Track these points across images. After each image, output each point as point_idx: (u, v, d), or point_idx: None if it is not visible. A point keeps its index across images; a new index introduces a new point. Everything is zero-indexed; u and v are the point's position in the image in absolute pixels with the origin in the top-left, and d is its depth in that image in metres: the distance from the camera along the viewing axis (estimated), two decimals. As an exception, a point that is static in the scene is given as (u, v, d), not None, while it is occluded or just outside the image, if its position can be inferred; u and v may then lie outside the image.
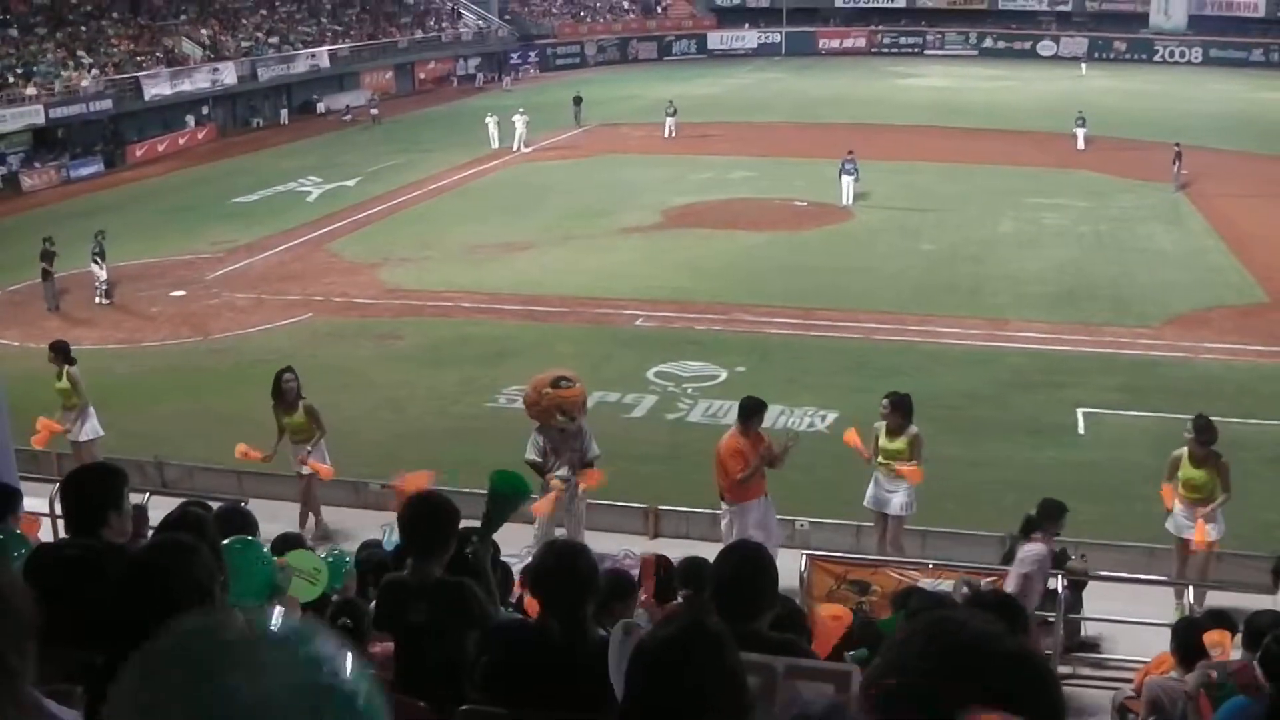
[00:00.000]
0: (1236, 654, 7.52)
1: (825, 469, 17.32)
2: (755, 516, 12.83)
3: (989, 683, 2.03)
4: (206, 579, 3.58)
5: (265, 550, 6.57)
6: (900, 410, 13.58)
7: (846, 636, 7.21)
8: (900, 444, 13.51)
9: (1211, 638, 7.72)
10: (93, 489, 5.18)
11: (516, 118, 50.19)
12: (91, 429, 16.75)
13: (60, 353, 16.88)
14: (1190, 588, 12.26)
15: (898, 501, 13.71)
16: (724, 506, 13.07)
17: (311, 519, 15.36)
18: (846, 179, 37.14)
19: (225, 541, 6.03)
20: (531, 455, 13.29)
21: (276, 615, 1.76)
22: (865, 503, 13.95)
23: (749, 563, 5.01)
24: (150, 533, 6.48)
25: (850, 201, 37.05)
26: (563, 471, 13.29)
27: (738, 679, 3.06)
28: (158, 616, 3.28)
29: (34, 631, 2.18)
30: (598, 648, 4.63)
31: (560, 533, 13.33)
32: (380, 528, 9.41)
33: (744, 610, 4.74)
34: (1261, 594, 10.30)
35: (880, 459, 13.66)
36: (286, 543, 8.13)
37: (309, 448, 15.19)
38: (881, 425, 13.70)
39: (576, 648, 4.67)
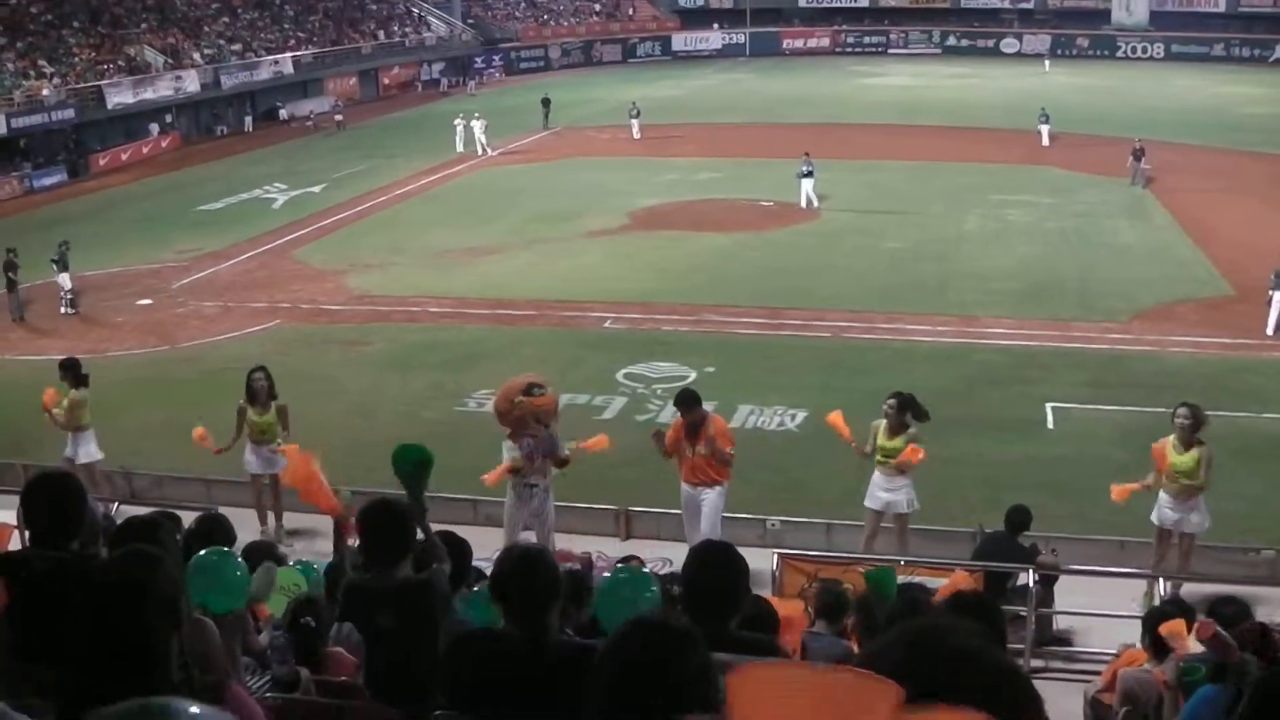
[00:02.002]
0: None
1: (796, 468, 17.38)
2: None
3: (967, 697, 2.02)
4: (173, 590, 3.55)
5: (239, 560, 6.55)
6: (904, 410, 13.66)
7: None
8: (899, 442, 13.56)
9: (1168, 627, 7.73)
10: (62, 499, 5.02)
11: (475, 122, 50.11)
12: (88, 452, 16.50)
13: (69, 371, 16.62)
14: (1160, 580, 12.32)
15: (900, 500, 13.77)
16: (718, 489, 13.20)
17: (272, 519, 15.36)
18: (805, 181, 37.10)
19: (201, 553, 6.02)
20: (514, 456, 13.25)
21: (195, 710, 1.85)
22: (868, 504, 13.95)
23: (718, 563, 4.99)
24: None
25: (812, 204, 37.00)
26: (533, 477, 13.24)
27: (710, 678, 3.04)
28: (127, 629, 3.27)
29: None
30: (562, 654, 4.60)
31: (529, 536, 13.32)
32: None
33: (713, 610, 4.72)
34: (1229, 585, 10.36)
35: (880, 457, 13.70)
36: (260, 551, 8.10)
37: (276, 444, 15.17)
38: (881, 424, 13.72)
39: (540, 655, 4.63)
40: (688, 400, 13.28)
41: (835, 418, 14.06)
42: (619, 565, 7.62)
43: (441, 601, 5.80)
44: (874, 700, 2.14)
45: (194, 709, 1.93)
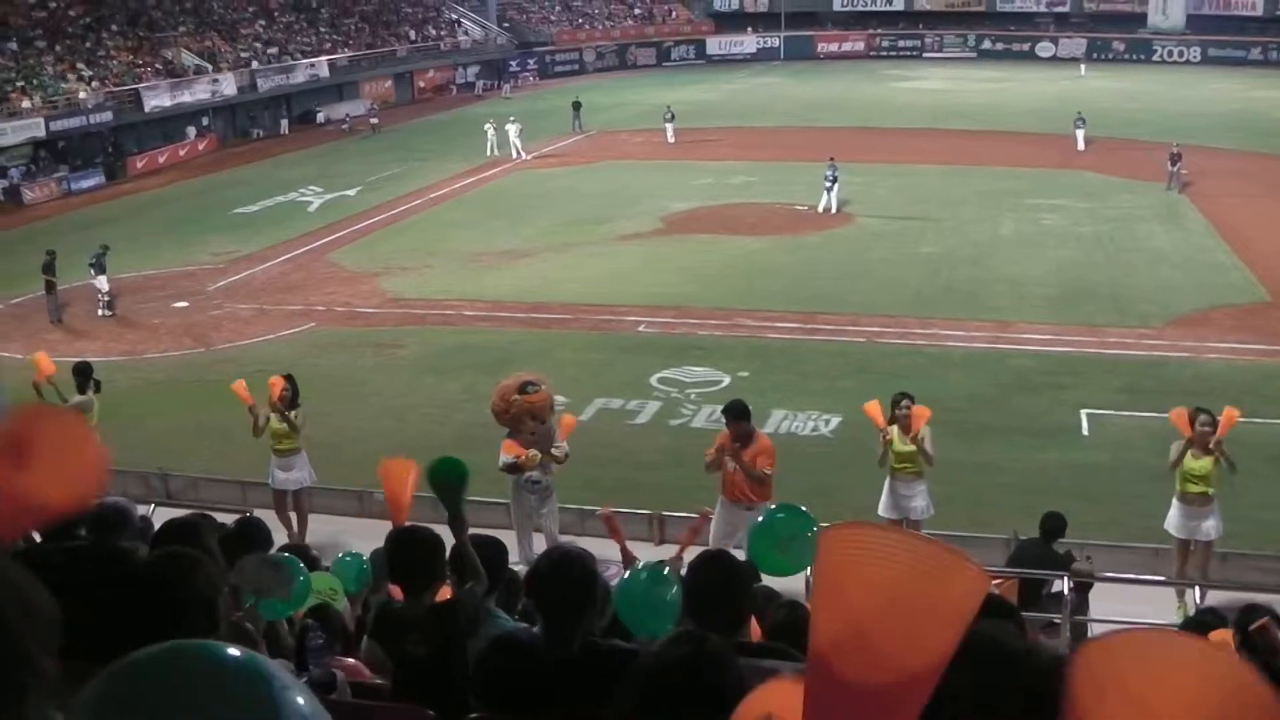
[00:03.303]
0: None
1: (829, 473, 17.34)
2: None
3: (1031, 694, 2.03)
4: (210, 591, 3.57)
5: (300, 566, 6.61)
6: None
7: None
8: (910, 445, 13.55)
9: (1217, 638, 7.69)
10: None
11: (509, 125, 50.19)
12: None
13: (81, 375, 16.75)
14: (1195, 587, 12.26)
15: (919, 506, 13.75)
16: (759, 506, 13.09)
17: (295, 526, 15.49)
18: (828, 185, 36.92)
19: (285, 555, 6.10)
20: (506, 458, 13.42)
21: (233, 652, 1.83)
22: (881, 512, 13.93)
23: (719, 574, 4.98)
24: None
25: (830, 209, 36.87)
26: (534, 473, 13.39)
27: (739, 693, 3.05)
28: (163, 629, 3.28)
29: (59, 632, 2.15)
30: (595, 658, 4.59)
31: (538, 537, 13.47)
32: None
33: (718, 622, 4.67)
34: (1263, 593, 10.28)
35: (895, 464, 13.69)
36: (295, 554, 8.13)
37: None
38: (894, 430, 13.71)
39: (573, 658, 4.62)
40: (736, 411, 13.05)
41: (872, 407, 14.00)
42: (773, 508, 7.53)
43: (469, 622, 5.80)
44: (960, 576, 2.16)
45: (231, 650, 1.91)
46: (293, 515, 15.63)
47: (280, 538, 9.33)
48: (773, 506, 7.59)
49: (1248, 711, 1.96)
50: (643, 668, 3.13)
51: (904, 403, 13.72)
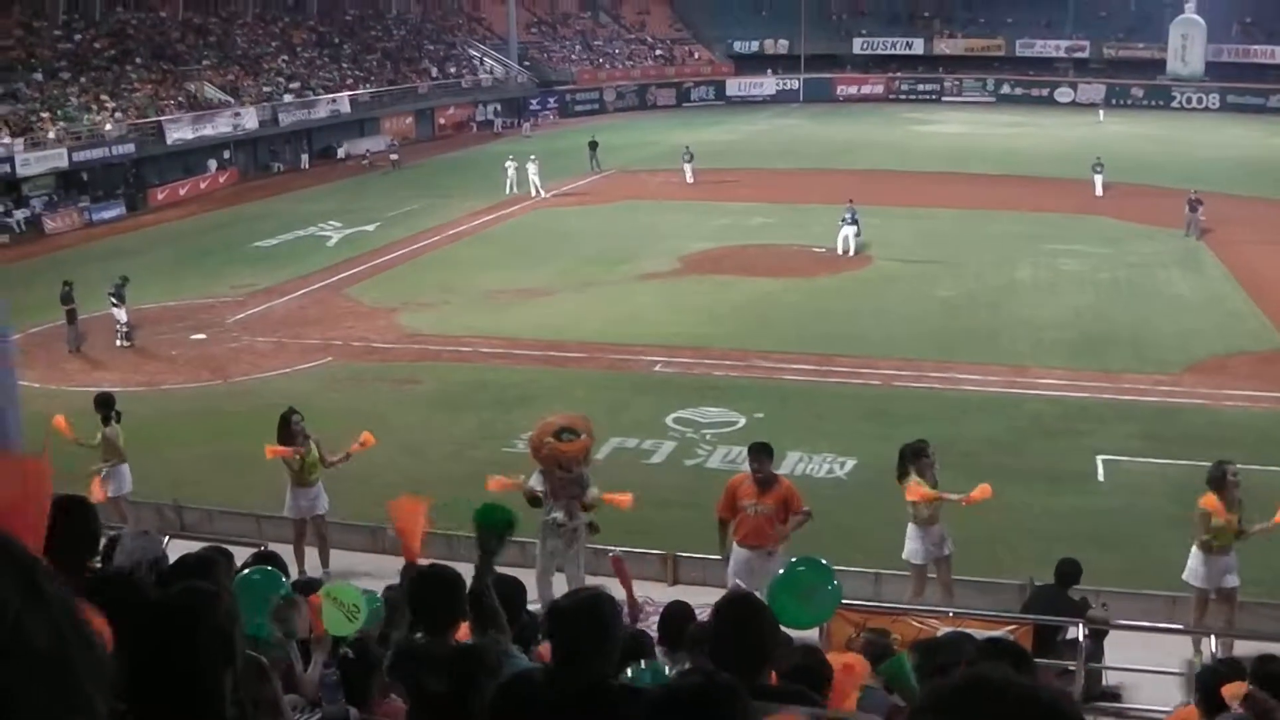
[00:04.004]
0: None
1: (845, 516, 17.28)
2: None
3: None
4: (228, 625, 3.58)
5: (282, 580, 6.61)
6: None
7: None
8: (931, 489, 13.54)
9: (1231, 690, 7.65)
10: (73, 517, 4.74)
11: (529, 164, 50.34)
12: (117, 486, 16.66)
13: (104, 406, 16.82)
14: (1211, 636, 12.19)
15: (944, 546, 13.71)
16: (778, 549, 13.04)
17: (314, 559, 15.51)
18: (847, 228, 37.06)
19: (244, 572, 6.08)
20: (535, 485, 13.48)
21: None
22: (908, 557, 13.88)
23: (746, 616, 4.98)
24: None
25: (848, 251, 36.96)
26: (558, 514, 13.37)
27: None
28: (179, 663, 3.29)
29: (112, 670, 2.12)
30: (609, 697, 4.58)
31: (560, 578, 13.45)
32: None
33: (742, 663, 4.67)
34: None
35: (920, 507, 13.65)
36: (309, 587, 8.12)
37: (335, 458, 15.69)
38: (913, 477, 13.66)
39: (586, 696, 4.61)
40: (762, 451, 13.00)
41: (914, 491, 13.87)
42: (794, 560, 7.56)
43: (491, 666, 5.78)
44: None
45: None
46: (308, 549, 15.64)
47: (295, 571, 9.34)
48: (794, 560, 7.60)
49: None
50: (651, 700, 3.14)
51: (929, 450, 13.68)
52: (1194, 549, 13.13)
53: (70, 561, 4.83)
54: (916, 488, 13.52)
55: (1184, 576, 13.26)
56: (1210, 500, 12.93)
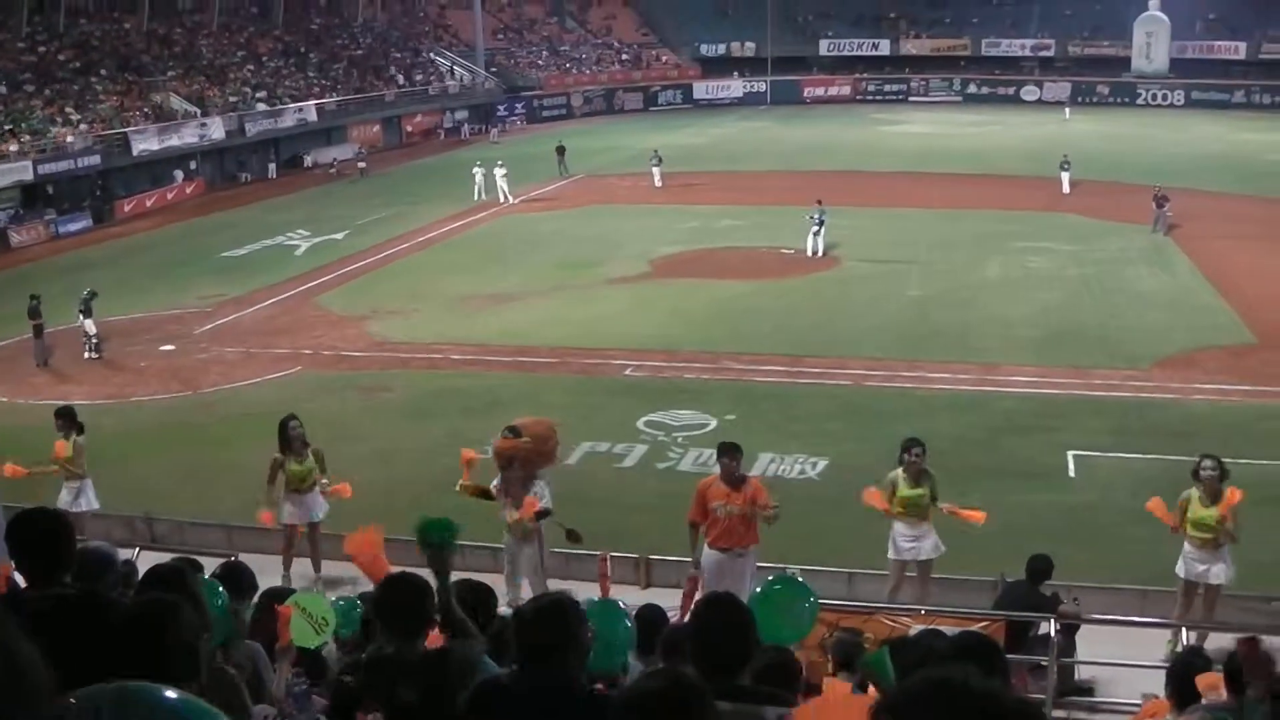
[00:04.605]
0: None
1: (817, 516, 17.30)
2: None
3: None
4: (193, 636, 3.55)
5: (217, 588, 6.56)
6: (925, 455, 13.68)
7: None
8: (923, 489, 13.54)
9: (1206, 680, 7.67)
10: (50, 534, 4.82)
11: (496, 169, 50.26)
12: (87, 501, 16.46)
13: (67, 419, 16.61)
14: (1184, 629, 12.24)
15: (928, 545, 13.73)
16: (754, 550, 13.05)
17: (308, 566, 15.42)
18: (815, 229, 37.10)
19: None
20: (495, 483, 13.67)
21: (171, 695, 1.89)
22: (892, 555, 13.91)
23: (726, 616, 4.96)
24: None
25: (817, 253, 37.00)
26: (509, 514, 13.41)
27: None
28: (146, 675, 3.26)
29: (49, 694, 2.12)
30: (577, 699, 4.58)
31: (524, 583, 13.47)
32: None
33: (722, 663, 4.67)
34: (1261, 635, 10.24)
35: (899, 509, 13.65)
36: (280, 596, 8.06)
37: (324, 480, 15.56)
38: (899, 474, 13.67)
39: (555, 700, 4.60)
40: (732, 449, 12.99)
41: (872, 497, 13.82)
42: (770, 579, 7.63)
43: (462, 673, 5.74)
44: None
45: (169, 693, 1.93)
46: (300, 557, 15.55)
47: (269, 580, 9.27)
48: (770, 579, 7.65)
49: None
50: (619, 701, 3.13)
51: (915, 450, 13.68)
52: (1185, 543, 13.17)
53: (44, 578, 4.79)
54: (873, 493, 13.75)
55: (1175, 569, 13.32)
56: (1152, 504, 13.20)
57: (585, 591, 10.67)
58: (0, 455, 16.54)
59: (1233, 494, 12.84)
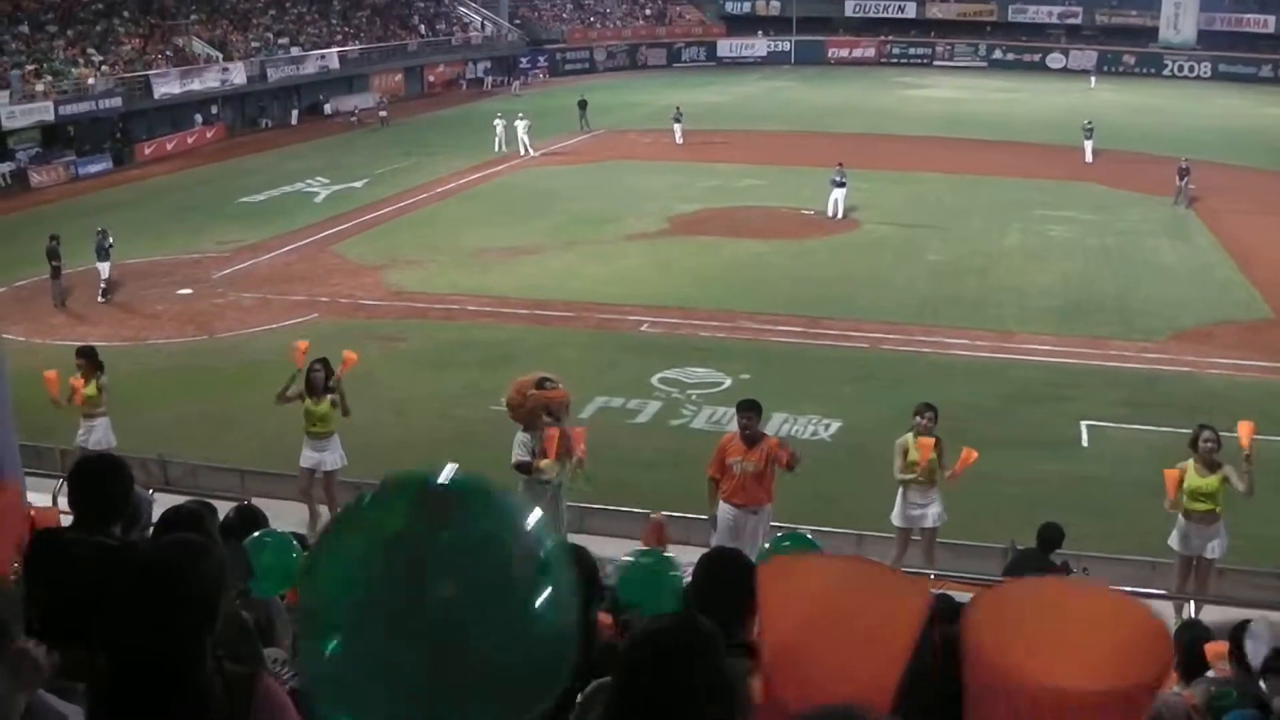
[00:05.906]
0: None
1: (828, 478, 17.31)
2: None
3: None
4: (217, 578, 3.56)
5: (291, 542, 6.62)
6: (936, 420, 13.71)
7: None
8: (933, 452, 13.56)
9: (1214, 649, 7.68)
10: (111, 482, 4.97)
11: (518, 122, 50.20)
12: (105, 439, 16.53)
13: (89, 358, 16.66)
14: (1191, 602, 12.25)
15: (932, 514, 13.77)
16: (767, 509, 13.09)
17: (326, 515, 15.40)
18: (836, 191, 37.02)
19: (254, 535, 6.08)
20: (520, 455, 13.15)
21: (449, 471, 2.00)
22: (895, 520, 13.96)
23: (728, 569, 4.97)
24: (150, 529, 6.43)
25: (838, 214, 36.90)
26: (544, 475, 13.25)
27: (731, 680, 3.03)
28: (167, 617, 3.28)
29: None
30: (590, 648, 4.59)
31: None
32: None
33: (724, 616, 4.67)
34: (1260, 609, 10.27)
35: (908, 475, 13.68)
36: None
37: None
38: (910, 438, 13.69)
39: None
40: (750, 407, 12.99)
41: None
42: (779, 535, 7.72)
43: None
44: (895, 588, 2.18)
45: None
46: (322, 508, 15.57)
47: (282, 525, 9.28)
48: (779, 535, 7.72)
49: (1138, 641, 2.00)
50: (630, 640, 3.13)
51: (927, 414, 13.69)
52: (1179, 516, 13.16)
53: (95, 523, 4.85)
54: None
55: (1168, 541, 13.32)
56: (1171, 472, 13.04)
57: (604, 547, 10.73)
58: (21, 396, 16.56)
59: (1243, 428, 12.73)
